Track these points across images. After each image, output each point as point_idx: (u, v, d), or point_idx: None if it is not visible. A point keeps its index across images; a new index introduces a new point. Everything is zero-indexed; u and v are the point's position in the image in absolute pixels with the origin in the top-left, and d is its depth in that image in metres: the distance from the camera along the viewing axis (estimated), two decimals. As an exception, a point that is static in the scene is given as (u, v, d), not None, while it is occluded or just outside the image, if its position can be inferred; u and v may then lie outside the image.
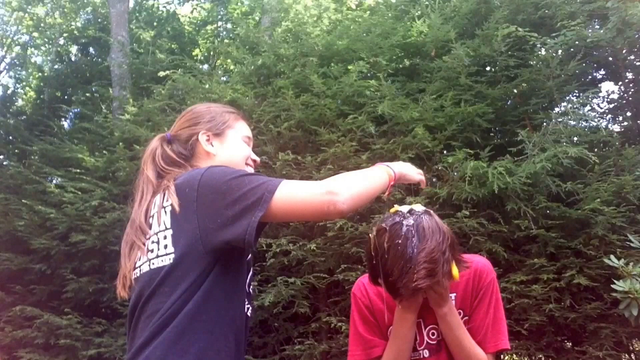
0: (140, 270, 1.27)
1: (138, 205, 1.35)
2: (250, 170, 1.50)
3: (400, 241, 1.35)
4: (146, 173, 1.42)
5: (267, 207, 1.16)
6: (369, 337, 1.62)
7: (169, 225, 1.24)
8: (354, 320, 1.66)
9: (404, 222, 1.38)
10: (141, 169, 1.45)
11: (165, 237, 1.23)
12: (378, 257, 1.38)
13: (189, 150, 1.46)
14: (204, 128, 1.47)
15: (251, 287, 1.41)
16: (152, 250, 1.25)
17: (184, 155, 1.45)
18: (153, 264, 1.24)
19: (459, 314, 1.56)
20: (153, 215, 1.29)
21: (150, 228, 1.28)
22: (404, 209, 1.45)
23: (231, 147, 1.47)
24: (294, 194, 1.18)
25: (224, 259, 1.22)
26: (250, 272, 1.40)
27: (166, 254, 1.22)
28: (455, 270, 1.44)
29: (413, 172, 1.50)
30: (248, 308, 1.36)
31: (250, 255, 1.38)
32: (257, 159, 1.54)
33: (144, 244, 1.28)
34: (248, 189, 1.18)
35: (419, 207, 1.45)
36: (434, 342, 1.56)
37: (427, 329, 1.57)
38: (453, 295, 1.57)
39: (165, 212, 1.26)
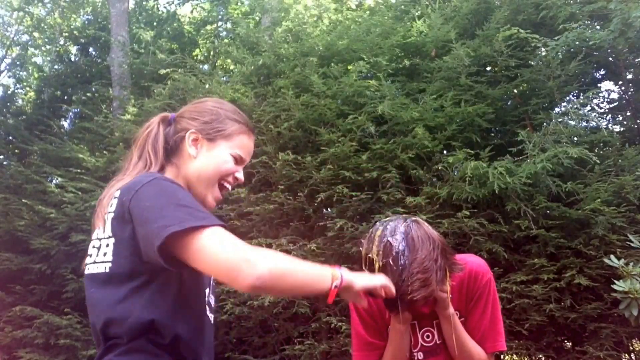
0: (88, 269, 1.23)
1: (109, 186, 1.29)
2: (223, 188, 1.37)
3: (392, 257, 1.37)
4: (132, 153, 1.35)
5: (165, 240, 1.06)
6: (369, 340, 1.62)
7: (111, 234, 1.19)
8: (354, 322, 1.67)
9: (394, 236, 1.39)
10: (132, 148, 1.38)
11: (107, 245, 1.19)
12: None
13: (175, 143, 1.37)
14: (196, 127, 1.36)
15: (211, 297, 1.34)
16: (90, 255, 1.22)
17: (169, 146, 1.37)
18: (89, 269, 1.21)
19: (457, 315, 1.55)
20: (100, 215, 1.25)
21: (97, 228, 1.24)
22: (392, 218, 1.46)
23: (212, 158, 1.34)
24: (206, 241, 1.07)
25: (162, 273, 1.15)
26: (211, 279, 1.33)
27: (102, 262, 1.18)
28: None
29: (375, 282, 1.30)
30: (210, 317, 1.30)
31: None
32: (242, 178, 1.40)
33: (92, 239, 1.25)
34: (161, 214, 1.11)
35: (407, 217, 1.47)
36: (429, 345, 1.56)
37: (422, 331, 1.57)
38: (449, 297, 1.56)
39: (108, 217, 1.21)
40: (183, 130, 1.36)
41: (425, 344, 1.56)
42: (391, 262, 1.36)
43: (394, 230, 1.41)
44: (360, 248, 1.45)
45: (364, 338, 1.62)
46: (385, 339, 1.60)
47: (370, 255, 1.40)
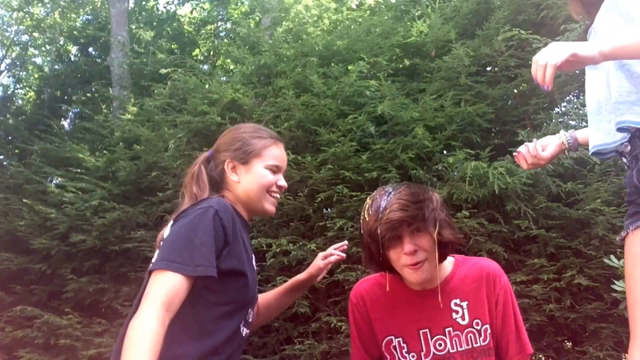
0: None
1: None
2: (273, 198, 1.58)
3: (379, 195, 1.48)
4: (183, 195, 1.58)
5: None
6: (362, 351, 1.61)
7: None
8: (351, 326, 1.66)
9: (392, 184, 1.54)
10: (181, 192, 1.61)
11: None
12: (364, 221, 1.49)
13: (219, 176, 1.58)
14: (230, 156, 1.56)
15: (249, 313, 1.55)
16: None
17: (214, 180, 1.58)
18: None
19: (477, 324, 1.51)
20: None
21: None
22: None
23: (252, 177, 1.55)
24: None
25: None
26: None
27: None
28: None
29: None
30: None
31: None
32: (285, 185, 1.61)
33: None
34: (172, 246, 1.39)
35: None
36: (441, 354, 1.51)
37: (434, 339, 1.52)
38: (465, 304, 1.52)
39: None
40: (221, 163, 1.58)
41: (437, 353, 1.52)
42: (378, 197, 1.47)
43: (394, 187, 1.51)
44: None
45: (358, 346, 1.62)
46: (379, 347, 1.58)
47: (364, 214, 1.49)
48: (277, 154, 1.60)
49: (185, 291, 1.35)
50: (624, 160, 1.49)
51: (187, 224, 1.39)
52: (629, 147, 1.43)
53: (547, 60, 1.30)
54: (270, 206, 1.58)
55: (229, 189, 1.57)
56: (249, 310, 1.51)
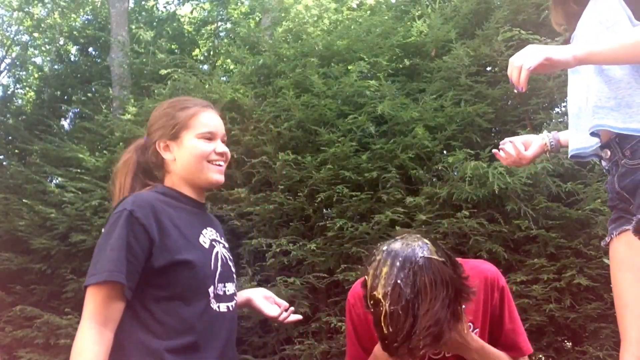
0: None
1: None
2: (215, 166, 1.48)
3: (401, 305, 1.24)
4: (114, 183, 1.55)
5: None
6: (359, 349, 1.60)
7: None
8: (347, 327, 1.64)
9: (404, 280, 1.25)
10: (113, 182, 1.56)
11: None
12: (379, 322, 1.28)
13: (156, 158, 1.51)
14: (158, 135, 1.50)
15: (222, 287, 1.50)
16: None
17: (153, 165, 1.52)
18: None
19: (469, 327, 1.48)
20: None
21: None
22: (399, 246, 1.30)
23: (186, 150, 1.47)
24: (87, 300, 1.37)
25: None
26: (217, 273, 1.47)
27: None
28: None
29: None
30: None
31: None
32: (225, 150, 1.49)
33: None
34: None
35: (417, 246, 1.30)
36: (437, 358, 1.51)
37: None
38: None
39: None
40: (153, 145, 1.51)
41: (433, 357, 1.50)
42: (400, 312, 1.23)
43: (402, 267, 1.26)
44: (366, 277, 1.32)
45: (354, 343, 1.61)
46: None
47: (375, 294, 1.28)
48: (207, 120, 1.50)
49: (116, 297, 1.35)
50: (604, 164, 1.49)
51: (104, 233, 1.37)
52: (609, 153, 1.43)
53: (522, 63, 1.35)
54: (215, 175, 1.48)
55: (169, 170, 1.50)
56: (211, 288, 1.42)
